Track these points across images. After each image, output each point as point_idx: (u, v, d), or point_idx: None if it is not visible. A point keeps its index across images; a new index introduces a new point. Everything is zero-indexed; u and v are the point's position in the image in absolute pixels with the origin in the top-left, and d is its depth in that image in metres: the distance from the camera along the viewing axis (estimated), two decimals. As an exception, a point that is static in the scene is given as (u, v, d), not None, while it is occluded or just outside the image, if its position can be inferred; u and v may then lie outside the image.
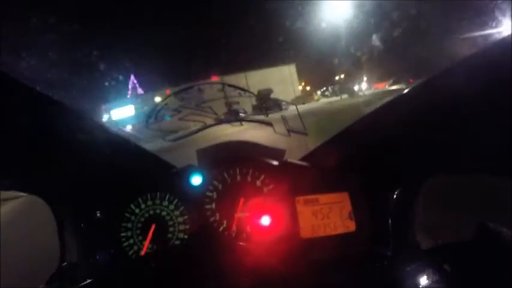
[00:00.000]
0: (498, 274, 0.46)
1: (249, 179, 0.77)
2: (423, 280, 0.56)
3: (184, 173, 0.78)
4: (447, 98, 0.56)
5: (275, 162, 0.79)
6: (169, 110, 0.83)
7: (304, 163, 0.80)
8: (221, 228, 0.75)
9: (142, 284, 0.56)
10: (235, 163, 0.78)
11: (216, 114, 0.81)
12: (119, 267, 0.69)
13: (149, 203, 0.76)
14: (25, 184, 0.70)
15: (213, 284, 0.55)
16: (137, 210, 0.75)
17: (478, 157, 0.59)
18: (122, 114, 18.72)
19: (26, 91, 0.55)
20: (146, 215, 0.75)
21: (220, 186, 0.77)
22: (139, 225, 0.75)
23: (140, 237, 0.74)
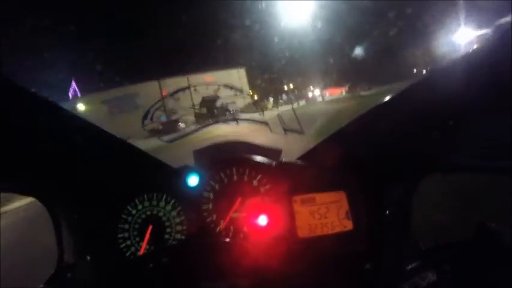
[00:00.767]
0: (498, 274, 0.45)
1: (245, 179, 0.77)
2: (423, 280, 0.56)
3: (180, 173, 0.77)
4: (444, 96, 0.55)
5: (272, 162, 0.78)
6: (165, 110, 0.82)
7: (301, 162, 0.79)
8: (218, 229, 0.75)
9: (139, 285, 0.56)
10: (231, 163, 0.78)
11: (210, 113, 0.80)
12: (117, 268, 0.70)
13: (146, 203, 0.76)
14: (22, 186, 0.70)
15: (210, 285, 0.55)
16: (134, 211, 0.75)
17: (475, 156, 0.59)
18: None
19: (21, 91, 0.55)
20: (143, 216, 0.75)
21: (217, 187, 0.77)
22: (137, 226, 0.74)
23: (137, 239, 0.74)
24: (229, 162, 0.78)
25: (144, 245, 0.73)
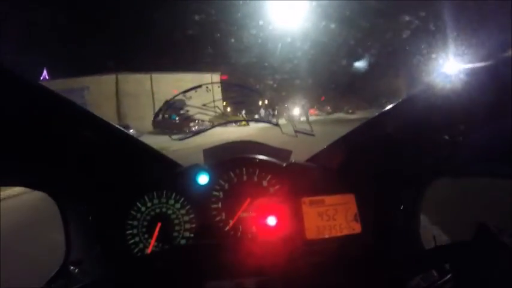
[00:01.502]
0: (498, 274, 0.46)
1: (255, 179, 0.78)
2: (423, 280, 0.56)
3: (190, 172, 0.78)
4: (452, 101, 0.57)
5: (281, 163, 0.79)
6: (177, 109, 0.83)
7: (310, 164, 0.80)
8: (227, 228, 0.76)
9: (147, 284, 0.56)
10: (241, 163, 0.78)
11: (223, 113, 0.81)
12: (124, 266, 0.69)
13: (155, 201, 0.76)
14: (31, 180, 0.70)
15: (216, 284, 0.55)
16: (143, 208, 0.75)
17: (484, 160, 0.60)
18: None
19: (30, 85, 0.55)
20: (152, 213, 0.75)
21: (226, 186, 0.77)
22: (145, 223, 0.75)
23: (146, 235, 0.74)
24: (239, 162, 0.79)
25: (152, 242, 0.72)
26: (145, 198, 0.76)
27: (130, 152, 0.76)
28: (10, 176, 0.65)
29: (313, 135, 0.79)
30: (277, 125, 0.81)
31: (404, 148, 0.68)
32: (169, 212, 0.76)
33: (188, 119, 0.85)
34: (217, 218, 0.76)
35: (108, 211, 0.74)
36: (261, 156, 0.80)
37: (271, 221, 0.75)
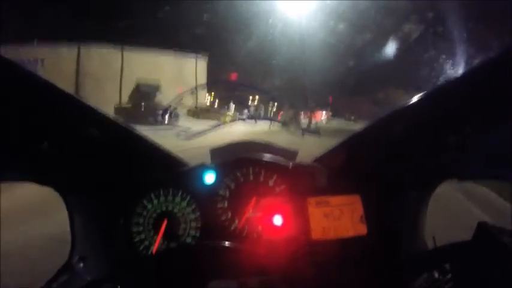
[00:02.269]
0: (498, 274, 0.46)
1: (261, 178, 0.78)
2: (424, 280, 0.56)
3: (197, 170, 0.78)
4: (460, 105, 0.57)
5: (288, 163, 0.79)
6: (148, 95, 0.81)
7: (316, 165, 0.80)
8: (232, 227, 0.76)
9: (152, 282, 0.56)
10: (248, 163, 0.79)
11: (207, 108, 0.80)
12: (129, 264, 0.69)
13: (161, 199, 0.76)
14: (38, 175, 0.70)
15: (220, 284, 0.55)
16: (149, 206, 0.75)
17: (491, 163, 0.60)
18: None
19: (37, 81, 0.55)
20: (158, 210, 0.75)
21: (233, 185, 0.78)
22: (151, 220, 0.75)
23: (151, 233, 0.74)
24: (245, 161, 0.79)
25: (158, 240, 0.72)
26: (152, 195, 0.76)
27: (137, 149, 0.76)
28: (10, 170, 0.64)
29: (319, 135, 0.79)
30: (284, 124, 0.81)
31: (411, 150, 0.69)
32: (175, 210, 0.76)
33: (158, 108, 0.81)
34: (223, 217, 0.76)
35: (114, 208, 0.74)
36: (267, 157, 0.81)
37: (277, 220, 0.75)
